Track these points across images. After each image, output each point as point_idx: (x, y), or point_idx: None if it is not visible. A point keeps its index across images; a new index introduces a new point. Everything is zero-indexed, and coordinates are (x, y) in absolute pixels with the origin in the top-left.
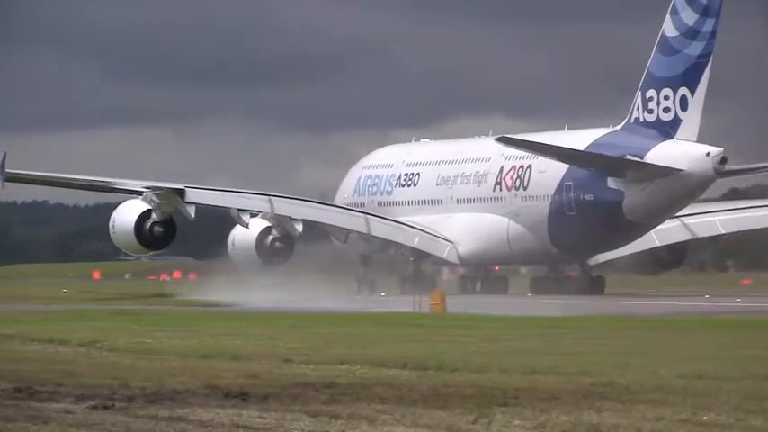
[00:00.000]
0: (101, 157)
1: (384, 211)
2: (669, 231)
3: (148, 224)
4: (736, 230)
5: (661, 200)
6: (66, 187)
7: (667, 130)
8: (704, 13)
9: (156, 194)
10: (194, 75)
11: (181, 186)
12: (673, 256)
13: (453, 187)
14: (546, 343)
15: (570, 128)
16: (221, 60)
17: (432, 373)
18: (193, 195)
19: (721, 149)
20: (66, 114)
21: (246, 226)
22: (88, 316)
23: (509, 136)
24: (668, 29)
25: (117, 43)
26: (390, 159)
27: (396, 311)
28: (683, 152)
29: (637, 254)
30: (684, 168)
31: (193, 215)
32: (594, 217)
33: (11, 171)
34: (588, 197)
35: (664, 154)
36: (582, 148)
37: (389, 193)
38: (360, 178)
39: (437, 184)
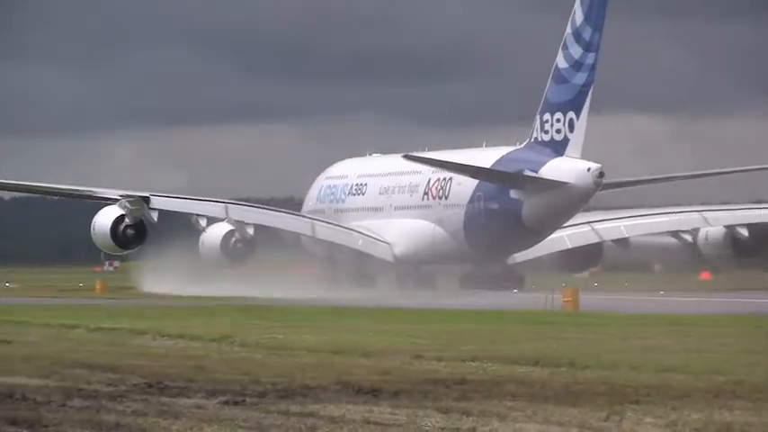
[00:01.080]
0: (230, 155)
1: (339, 217)
2: (580, 235)
3: (122, 227)
4: (638, 234)
5: (552, 208)
6: (50, 195)
7: (558, 148)
8: (587, 48)
9: (128, 201)
10: (329, 72)
11: (147, 195)
12: (591, 256)
13: (392, 196)
14: (675, 341)
15: (488, 145)
16: (358, 57)
17: (564, 371)
18: (157, 202)
19: (599, 165)
20: (201, 110)
21: (203, 230)
22: (214, 312)
23: (412, 154)
24: (560, 62)
25: (252, 39)
26: (346, 171)
27: (526, 309)
28: (569, 167)
29: (559, 253)
30: (570, 181)
31: (156, 219)
32: (499, 223)
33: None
34: (494, 206)
35: (554, 169)
36: (490, 164)
37: (343, 201)
38: (322, 187)
39: (380, 194)
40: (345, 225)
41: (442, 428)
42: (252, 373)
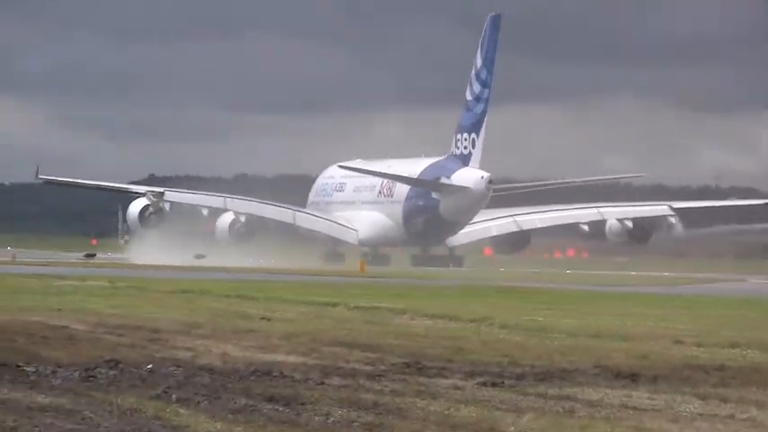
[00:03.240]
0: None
1: (328, 208)
2: (504, 225)
3: (147, 213)
4: (549, 225)
5: (459, 206)
6: (92, 189)
7: (466, 160)
8: (484, 85)
9: (151, 194)
10: (594, 52)
11: (162, 190)
12: (523, 241)
13: (360, 193)
14: None
15: (426, 156)
16: (621, 38)
17: None
18: (169, 195)
19: (489, 174)
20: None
21: (208, 218)
22: (476, 292)
23: (343, 164)
24: (468, 94)
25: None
26: (335, 173)
27: None
28: (469, 176)
29: (492, 239)
30: (470, 186)
31: (168, 209)
32: (424, 216)
33: (45, 177)
34: (421, 203)
35: (460, 176)
36: (420, 171)
37: (331, 195)
38: (320, 184)
39: (353, 191)
40: (329, 214)
41: (700, 414)
42: (511, 354)
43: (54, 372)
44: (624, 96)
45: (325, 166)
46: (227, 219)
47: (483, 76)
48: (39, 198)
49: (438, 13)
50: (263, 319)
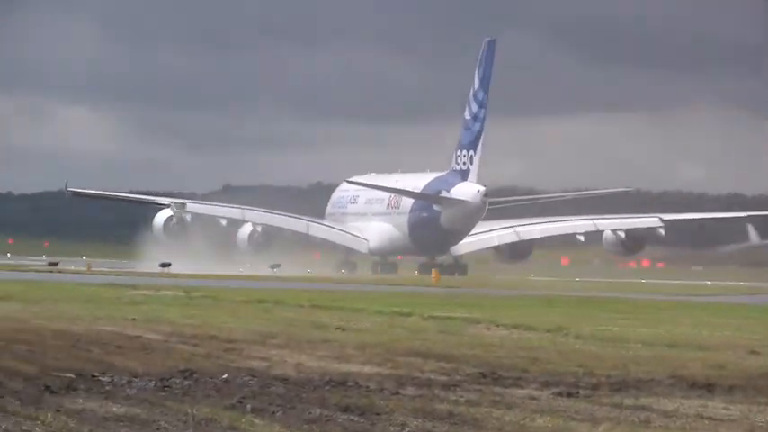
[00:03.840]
0: (575, 144)
1: (343, 219)
2: (505, 235)
3: (170, 223)
4: (547, 235)
5: (458, 217)
6: (119, 201)
7: (465, 175)
8: (480, 105)
9: (175, 205)
10: (668, 61)
11: (184, 201)
12: (525, 250)
13: (371, 205)
14: None
15: (431, 170)
16: (695, 48)
17: None
18: (191, 207)
19: (484, 187)
20: (545, 100)
21: (225, 227)
22: (551, 302)
23: (352, 179)
24: (466, 114)
25: (598, 28)
26: (350, 186)
27: None
28: (467, 189)
29: (496, 248)
30: (467, 199)
31: (189, 219)
32: (427, 227)
33: (73, 189)
34: (424, 215)
35: (459, 190)
36: (424, 185)
37: (345, 207)
38: (336, 197)
39: (365, 203)
40: (344, 225)
41: None
42: (586, 364)
43: (129, 381)
44: (699, 105)
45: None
46: (246, 229)
47: (480, 96)
48: (113, 206)
49: (529, 26)
50: (337, 328)
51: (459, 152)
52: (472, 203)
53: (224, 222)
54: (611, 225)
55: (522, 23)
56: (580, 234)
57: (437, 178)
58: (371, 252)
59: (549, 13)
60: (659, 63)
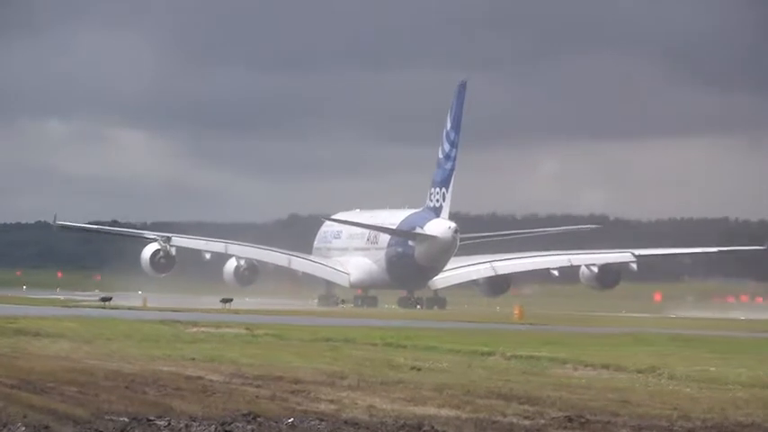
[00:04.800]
0: (677, 167)
1: (328, 253)
2: (482, 269)
3: (157, 257)
4: (521, 270)
5: (430, 253)
6: (105, 233)
7: (438, 212)
8: (452, 145)
9: (161, 239)
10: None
11: (170, 235)
12: (504, 284)
13: (353, 240)
14: None
15: (410, 207)
16: None
17: None
18: (175, 241)
19: (455, 224)
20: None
21: (207, 259)
22: (644, 340)
23: (331, 217)
24: (440, 153)
25: (684, 47)
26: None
27: None
28: (438, 225)
29: (476, 282)
30: (438, 235)
31: (174, 253)
32: (401, 262)
33: (62, 223)
34: (400, 250)
35: (432, 226)
36: (399, 221)
37: (330, 242)
38: (322, 231)
39: (347, 238)
40: (328, 259)
41: None
42: (680, 407)
43: (188, 426)
44: None
45: (479, 204)
46: (232, 264)
47: (452, 137)
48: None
49: (635, 45)
50: (412, 368)
51: (432, 189)
52: (443, 239)
53: (208, 256)
54: (586, 260)
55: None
56: (554, 269)
57: (412, 215)
58: (352, 285)
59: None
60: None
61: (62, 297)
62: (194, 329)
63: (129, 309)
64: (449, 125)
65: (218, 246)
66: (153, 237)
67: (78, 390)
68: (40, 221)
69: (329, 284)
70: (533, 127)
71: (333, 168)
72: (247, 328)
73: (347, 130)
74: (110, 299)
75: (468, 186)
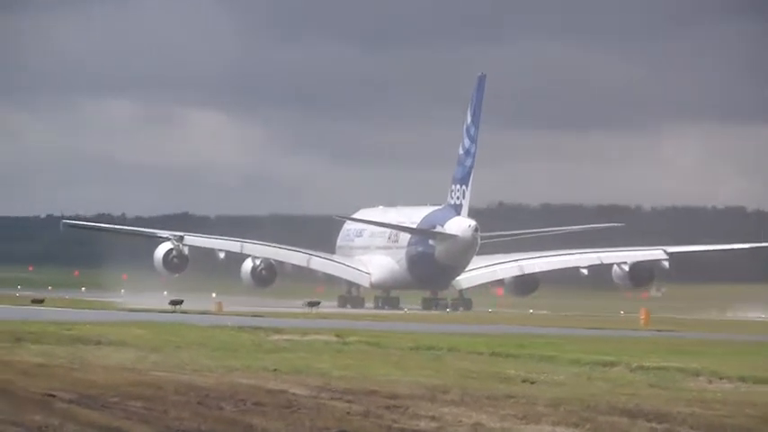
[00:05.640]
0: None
1: (350, 252)
2: (508, 269)
3: (170, 256)
4: (549, 269)
5: (451, 252)
6: (117, 233)
7: (458, 210)
8: (472, 140)
9: (174, 238)
10: None
11: (182, 234)
12: (532, 283)
13: (375, 239)
14: None
15: (432, 204)
16: None
17: None
18: (188, 240)
19: (474, 222)
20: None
21: (222, 257)
22: None
23: (340, 216)
24: (460, 149)
25: None
26: (359, 217)
27: None
28: (459, 224)
29: (503, 281)
30: (459, 234)
31: (186, 252)
32: (422, 261)
33: (68, 221)
34: (420, 248)
35: (452, 224)
36: (420, 219)
37: (353, 240)
38: (344, 229)
39: (369, 237)
40: (351, 258)
41: None
42: None
43: None
44: None
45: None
46: (248, 264)
47: (472, 132)
48: (251, 232)
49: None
50: (525, 381)
51: (453, 186)
52: (463, 238)
53: (222, 255)
54: (616, 258)
55: None
56: (584, 268)
57: (433, 212)
58: (373, 286)
59: None
60: None
61: (127, 301)
62: (277, 337)
63: (203, 313)
64: (468, 120)
65: (232, 245)
66: (166, 235)
67: (144, 405)
68: (102, 214)
69: (349, 285)
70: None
71: (432, 157)
72: (338, 335)
73: (446, 111)
74: (180, 302)
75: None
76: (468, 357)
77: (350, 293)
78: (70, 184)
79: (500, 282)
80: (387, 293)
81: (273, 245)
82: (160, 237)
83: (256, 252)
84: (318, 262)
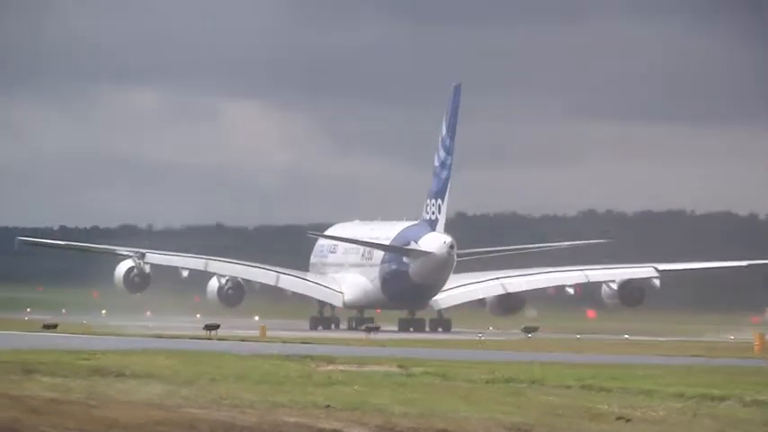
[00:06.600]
0: None
1: (323, 269)
2: (490, 287)
3: (131, 275)
4: (533, 288)
5: (425, 269)
6: (77, 250)
7: (434, 225)
8: (448, 152)
9: (135, 256)
10: None
11: (144, 251)
12: (516, 303)
13: (348, 256)
14: None
15: (407, 219)
16: None
17: None
18: (149, 257)
19: (450, 239)
20: None
21: (185, 276)
22: None
23: (314, 233)
24: (435, 161)
25: None
26: (332, 233)
27: None
28: (433, 240)
29: (487, 300)
30: (433, 251)
31: (148, 270)
32: (396, 279)
33: (22, 238)
34: (394, 266)
35: (426, 241)
36: (394, 235)
37: (326, 257)
38: (318, 245)
39: (342, 253)
40: (324, 276)
41: None
42: None
43: None
44: None
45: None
46: (215, 283)
47: (447, 143)
48: (286, 246)
49: None
50: (619, 418)
51: (428, 201)
52: (438, 255)
53: (185, 273)
54: (604, 276)
55: None
56: (570, 286)
57: (407, 228)
58: (346, 306)
59: None
60: None
61: (154, 324)
62: (330, 367)
63: (243, 339)
64: (444, 130)
65: (196, 262)
66: (126, 252)
67: None
68: (126, 225)
69: (321, 304)
70: None
71: (509, 154)
72: (401, 366)
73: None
74: (217, 327)
75: None
76: (554, 391)
77: (321, 314)
78: (85, 188)
79: (482, 301)
80: (361, 313)
81: (240, 262)
82: (119, 254)
83: (222, 270)
84: (288, 280)
